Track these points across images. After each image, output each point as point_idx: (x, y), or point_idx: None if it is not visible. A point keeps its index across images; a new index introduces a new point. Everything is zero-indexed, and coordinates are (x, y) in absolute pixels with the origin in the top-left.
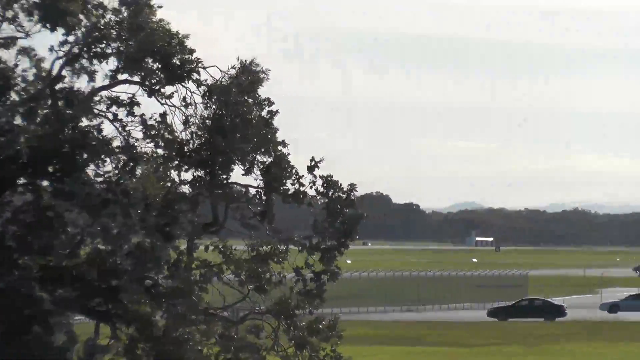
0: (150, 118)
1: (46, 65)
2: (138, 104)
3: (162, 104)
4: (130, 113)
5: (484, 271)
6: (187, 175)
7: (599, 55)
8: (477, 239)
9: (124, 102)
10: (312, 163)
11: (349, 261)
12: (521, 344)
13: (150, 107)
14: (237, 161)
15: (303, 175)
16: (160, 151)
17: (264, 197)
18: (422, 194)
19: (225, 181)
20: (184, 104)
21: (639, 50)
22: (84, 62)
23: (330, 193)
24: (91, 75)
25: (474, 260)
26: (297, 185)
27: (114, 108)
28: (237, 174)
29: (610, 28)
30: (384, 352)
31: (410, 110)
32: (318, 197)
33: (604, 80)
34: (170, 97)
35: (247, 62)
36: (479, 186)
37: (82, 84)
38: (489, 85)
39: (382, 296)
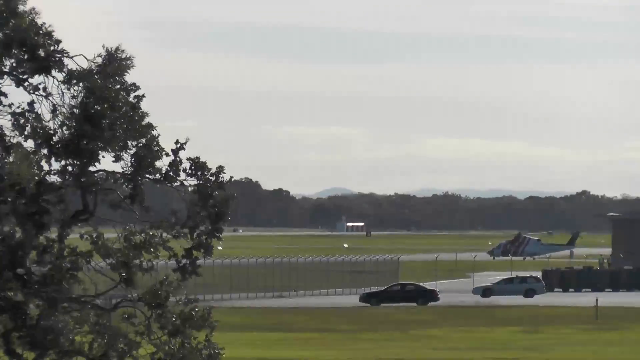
0: (18, 107)
1: None
2: (5, 94)
3: (29, 94)
4: None
5: (355, 256)
6: (56, 165)
7: (467, 43)
8: (348, 224)
9: None
10: (178, 145)
11: (220, 247)
12: (391, 330)
13: (18, 96)
14: (106, 148)
15: (173, 159)
16: (29, 141)
17: (132, 182)
18: (292, 180)
19: (93, 169)
20: (49, 93)
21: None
22: None
23: (199, 174)
24: None
25: (345, 245)
26: (167, 167)
27: None
28: (107, 162)
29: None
30: (255, 339)
31: (277, 97)
32: (187, 180)
33: (465, 66)
34: (37, 87)
35: (113, 49)
36: (348, 172)
37: None
38: (354, 72)
39: (253, 283)
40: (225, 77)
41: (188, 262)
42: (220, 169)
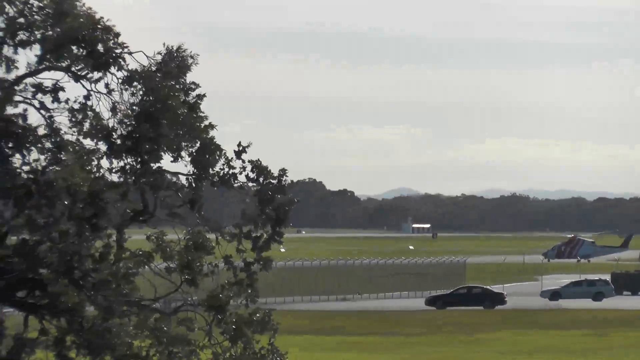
0: (75, 102)
1: None
2: (62, 89)
3: (88, 90)
4: (55, 99)
5: (421, 259)
6: (116, 164)
7: (537, 46)
8: (414, 225)
9: (48, 88)
10: (240, 148)
11: (282, 249)
12: (456, 333)
13: (76, 93)
14: (165, 148)
15: (232, 158)
16: (87, 139)
17: (194, 185)
18: (357, 181)
19: (154, 168)
20: (111, 89)
21: (584, 44)
22: (7, 50)
23: (260, 179)
24: (12, 64)
25: (411, 247)
26: (226, 169)
27: (39, 95)
28: (166, 161)
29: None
30: (316, 343)
31: (344, 99)
32: (248, 184)
33: (534, 71)
34: (96, 82)
35: (174, 48)
36: (414, 173)
37: (5, 72)
38: (421, 76)
39: (317, 285)
40: (289, 81)
41: (246, 274)
42: (283, 172)
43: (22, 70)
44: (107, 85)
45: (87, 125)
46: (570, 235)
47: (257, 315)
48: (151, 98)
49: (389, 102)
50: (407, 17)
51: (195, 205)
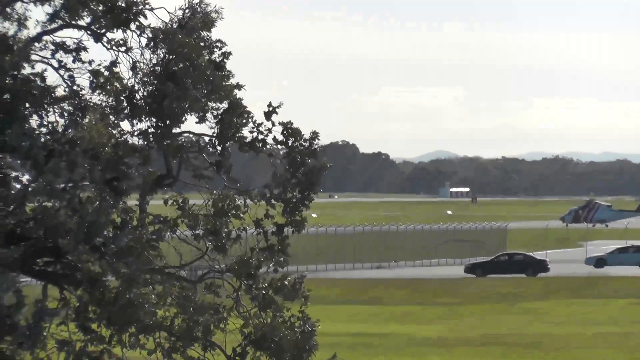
0: (99, 65)
1: None
2: (85, 49)
3: (108, 50)
4: (77, 59)
5: (460, 224)
6: (138, 126)
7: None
8: (452, 189)
9: (70, 47)
10: (270, 109)
11: (314, 215)
12: (497, 303)
13: (96, 53)
14: (189, 108)
15: (262, 123)
16: (108, 100)
17: (219, 146)
18: (392, 143)
19: (177, 130)
20: (129, 48)
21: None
22: (20, 6)
23: (290, 142)
24: (24, 22)
25: (449, 212)
26: (255, 133)
27: (59, 54)
28: (190, 123)
29: None
30: (352, 313)
31: (381, 62)
32: (278, 146)
33: (580, 32)
34: (118, 43)
35: (196, 2)
36: (453, 136)
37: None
38: (461, 39)
39: (350, 252)
40: (322, 41)
41: (277, 239)
42: (315, 135)
43: (32, 28)
44: (124, 43)
45: (109, 85)
46: (587, 199)
47: (288, 280)
48: (172, 57)
49: (426, 64)
50: None
51: (221, 167)
